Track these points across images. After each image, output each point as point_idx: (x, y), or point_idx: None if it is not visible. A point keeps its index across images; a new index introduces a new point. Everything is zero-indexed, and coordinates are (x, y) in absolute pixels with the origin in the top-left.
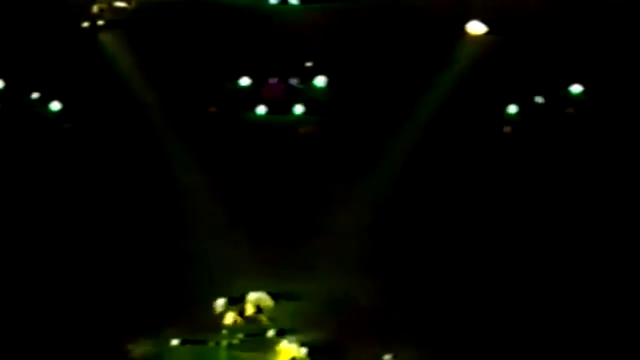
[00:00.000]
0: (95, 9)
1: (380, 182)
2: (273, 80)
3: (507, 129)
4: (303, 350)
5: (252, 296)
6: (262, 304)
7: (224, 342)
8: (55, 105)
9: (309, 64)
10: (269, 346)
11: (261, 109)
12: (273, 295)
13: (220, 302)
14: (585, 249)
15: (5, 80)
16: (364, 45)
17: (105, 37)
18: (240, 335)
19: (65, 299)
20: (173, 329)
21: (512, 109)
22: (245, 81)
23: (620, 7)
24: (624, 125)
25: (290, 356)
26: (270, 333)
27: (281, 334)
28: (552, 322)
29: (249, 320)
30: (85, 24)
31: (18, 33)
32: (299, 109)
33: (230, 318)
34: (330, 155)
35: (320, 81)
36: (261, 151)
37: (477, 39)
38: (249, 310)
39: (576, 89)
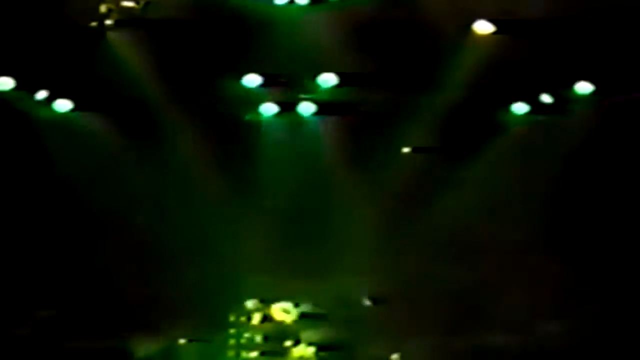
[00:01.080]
0: (103, 8)
1: (390, 182)
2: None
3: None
4: (311, 350)
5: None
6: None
7: (232, 341)
8: (64, 105)
9: None
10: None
11: (270, 109)
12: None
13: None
14: (592, 248)
15: (14, 79)
16: (371, 45)
17: (113, 37)
18: (248, 335)
19: (74, 297)
20: (181, 328)
21: (520, 108)
22: (253, 80)
23: (629, 6)
24: (631, 125)
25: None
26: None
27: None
28: (558, 322)
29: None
30: (94, 24)
31: (26, 32)
32: (307, 108)
33: (257, 319)
34: (339, 156)
35: (327, 80)
36: (272, 151)
37: (484, 38)
38: (278, 315)
39: (584, 88)
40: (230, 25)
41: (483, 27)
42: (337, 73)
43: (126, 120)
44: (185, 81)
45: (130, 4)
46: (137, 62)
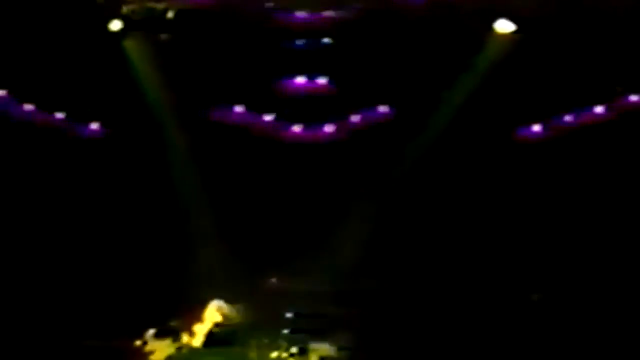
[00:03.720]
0: (125, 9)
1: (400, 182)
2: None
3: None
4: (333, 350)
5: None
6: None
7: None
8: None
9: None
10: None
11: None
12: None
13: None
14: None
15: (28, 82)
16: (389, 46)
17: (130, 42)
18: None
19: (88, 300)
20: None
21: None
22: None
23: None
24: None
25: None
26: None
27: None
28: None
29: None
30: (114, 26)
31: (43, 35)
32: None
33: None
34: (347, 156)
35: None
36: (270, 158)
37: (505, 37)
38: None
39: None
40: (246, 32)
41: (504, 26)
42: (352, 72)
43: (140, 124)
44: (200, 86)
45: (152, 5)
46: (152, 67)
